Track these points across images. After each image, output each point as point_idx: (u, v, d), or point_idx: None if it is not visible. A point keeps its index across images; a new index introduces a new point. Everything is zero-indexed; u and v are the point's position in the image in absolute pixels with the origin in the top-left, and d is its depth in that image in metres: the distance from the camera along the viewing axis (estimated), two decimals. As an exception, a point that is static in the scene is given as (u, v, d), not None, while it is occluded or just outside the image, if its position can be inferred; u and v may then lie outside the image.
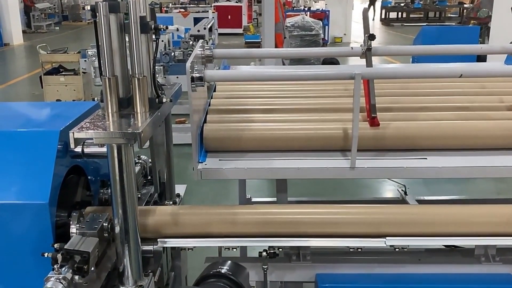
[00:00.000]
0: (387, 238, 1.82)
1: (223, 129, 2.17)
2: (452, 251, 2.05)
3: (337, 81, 2.57)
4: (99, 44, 1.64)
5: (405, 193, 3.06)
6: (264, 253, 1.88)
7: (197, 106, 2.06)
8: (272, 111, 2.36)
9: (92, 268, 1.60)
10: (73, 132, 1.49)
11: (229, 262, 1.87)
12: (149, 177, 2.35)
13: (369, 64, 2.27)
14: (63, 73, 8.43)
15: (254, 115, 2.31)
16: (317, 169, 2.03)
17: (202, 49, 2.40)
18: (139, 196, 2.22)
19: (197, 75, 1.91)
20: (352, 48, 2.43)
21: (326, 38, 15.72)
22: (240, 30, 19.02)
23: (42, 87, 8.43)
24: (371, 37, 2.20)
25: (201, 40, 2.38)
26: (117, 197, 1.57)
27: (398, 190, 3.07)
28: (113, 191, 1.56)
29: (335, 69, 1.96)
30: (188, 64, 1.88)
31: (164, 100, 1.77)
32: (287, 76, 1.90)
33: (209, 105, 2.48)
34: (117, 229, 1.61)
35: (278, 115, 2.31)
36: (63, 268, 1.47)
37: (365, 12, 2.53)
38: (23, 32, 19.17)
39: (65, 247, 1.52)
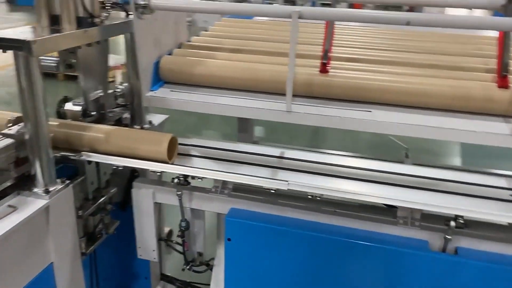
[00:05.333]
0: (289, 181, 1.63)
1: (178, 61, 2.06)
2: (375, 209, 1.77)
3: (318, 27, 2.30)
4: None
5: (407, 156, 2.74)
6: (176, 180, 1.78)
7: (145, 37, 1.93)
8: (239, 51, 2.19)
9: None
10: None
11: None
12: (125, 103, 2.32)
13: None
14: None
15: (219, 53, 2.16)
16: (254, 109, 1.87)
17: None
18: (110, 115, 2.23)
19: (142, 2, 1.79)
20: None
21: None
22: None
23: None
24: (336, -21, 1.90)
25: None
26: (25, 104, 1.54)
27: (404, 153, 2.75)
28: (20, 98, 1.53)
29: (274, 7, 1.72)
30: (132, -9, 1.77)
31: (96, 21, 1.68)
32: (223, 10, 1.70)
33: (188, 41, 2.36)
34: (26, 135, 1.59)
35: (242, 55, 2.13)
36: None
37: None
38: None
39: (-29, 141, 1.54)
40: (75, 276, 1.85)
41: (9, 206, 1.56)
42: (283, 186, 1.63)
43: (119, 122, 2.34)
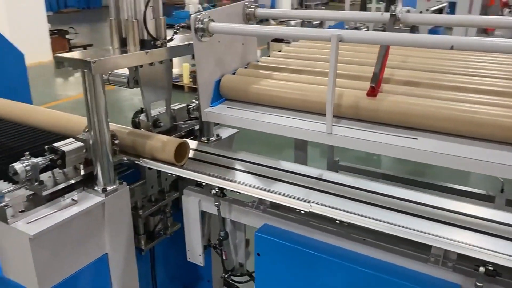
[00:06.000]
0: (312, 204, 1.60)
1: (236, 80, 2.16)
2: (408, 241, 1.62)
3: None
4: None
5: (502, 191, 2.48)
6: (213, 191, 1.86)
7: (206, 57, 2.06)
8: (298, 72, 2.21)
9: (81, 166, 1.89)
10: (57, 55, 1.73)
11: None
12: (193, 115, 2.51)
13: (390, 31, 1.88)
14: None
15: (278, 73, 2.20)
16: (295, 129, 1.87)
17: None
18: (183, 127, 2.44)
19: (201, 26, 1.93)
20: (382, 13, 2.03)
21: None
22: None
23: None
24: (391, 1, 1.82)
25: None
26: (89, 114, 1.77)
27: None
28: (86, 109, 1.77)
29: (314, 31, 1.71)
30: (192, 16, 1.92)
31: (157, 43, 1.87)
32: (263, 33, 1.74)
33: (257, 61, 2.45)
34: (90, 141, 1.83)
35: (299, 75, 2.15)
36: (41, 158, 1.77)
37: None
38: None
39: (52, 145, 1.81)
40: (128, 269, 2.05)
41: (72, 199, 1.81)
42: (305, 208, 1.61)
43: (190, 134, 2.53)
